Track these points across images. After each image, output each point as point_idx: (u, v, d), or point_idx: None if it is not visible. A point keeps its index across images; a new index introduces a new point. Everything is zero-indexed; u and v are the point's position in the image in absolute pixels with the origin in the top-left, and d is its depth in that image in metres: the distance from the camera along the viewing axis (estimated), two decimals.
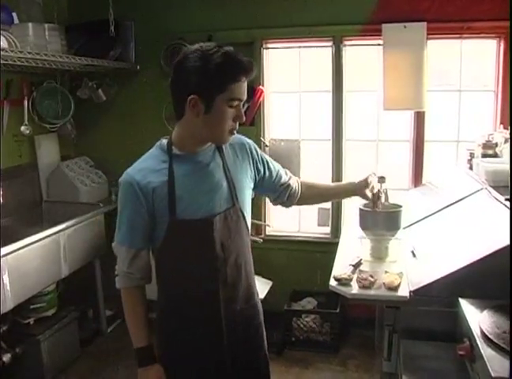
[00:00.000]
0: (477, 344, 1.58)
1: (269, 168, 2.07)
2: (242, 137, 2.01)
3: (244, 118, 1.76)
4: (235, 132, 1.79)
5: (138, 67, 4.20)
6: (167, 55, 4.04)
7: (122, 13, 3.97)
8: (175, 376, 1.89)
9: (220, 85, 1.67)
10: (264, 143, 4.15)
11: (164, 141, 1.85)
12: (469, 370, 1.69)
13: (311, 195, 2.24)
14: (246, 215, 1.92)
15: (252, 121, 4.08)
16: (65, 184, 4.08)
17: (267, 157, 2.10)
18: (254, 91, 3.88)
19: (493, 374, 1.40)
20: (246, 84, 1.73)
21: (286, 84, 4.22)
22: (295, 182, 2.17)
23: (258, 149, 2.05)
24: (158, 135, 1.96)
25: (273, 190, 2.13)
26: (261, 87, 3.96)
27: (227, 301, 1.87)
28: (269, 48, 4.06)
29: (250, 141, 2.02)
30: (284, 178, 2.13)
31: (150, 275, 1.90)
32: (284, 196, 2.15)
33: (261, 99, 3.99)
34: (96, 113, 4.37)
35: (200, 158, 1.83)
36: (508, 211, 2.21)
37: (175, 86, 1.75)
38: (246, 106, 3.93)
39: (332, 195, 2.39)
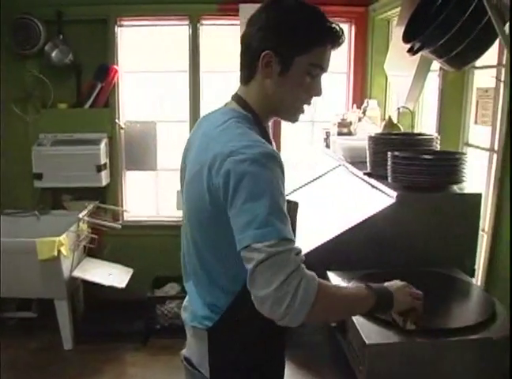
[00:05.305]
0: None
1: None
2: None
3: (322, 93, 1.44)
4: (304, 109, 1.48)
5: None
6: (12, 31, 3.65)
7: None
8: None
9: (305, 44, 1.37)
10: (119, 125, 3.98)
11: (243, 111, 1.50)
12: (341, 340, 1.72)
13: None
14: None
15: (106, 103, 3.89)
16: None
17: None
18: (107, 70, 3.70)
19: (367, 342, 1.43)
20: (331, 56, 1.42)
21: (141, 63, 4.07)
22: None
23: None
24: None
25: None
26: (115, 66, 3.77)
27: None
28: (123, 26, 3.86)
29: None
30: None
31: None
32: None
33: (115, 79, 3.80)
34: None
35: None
36: (366, 185, 2.30)
37: (248, 38, 1.45)
38: (99, 86, 3.75)
39: None
